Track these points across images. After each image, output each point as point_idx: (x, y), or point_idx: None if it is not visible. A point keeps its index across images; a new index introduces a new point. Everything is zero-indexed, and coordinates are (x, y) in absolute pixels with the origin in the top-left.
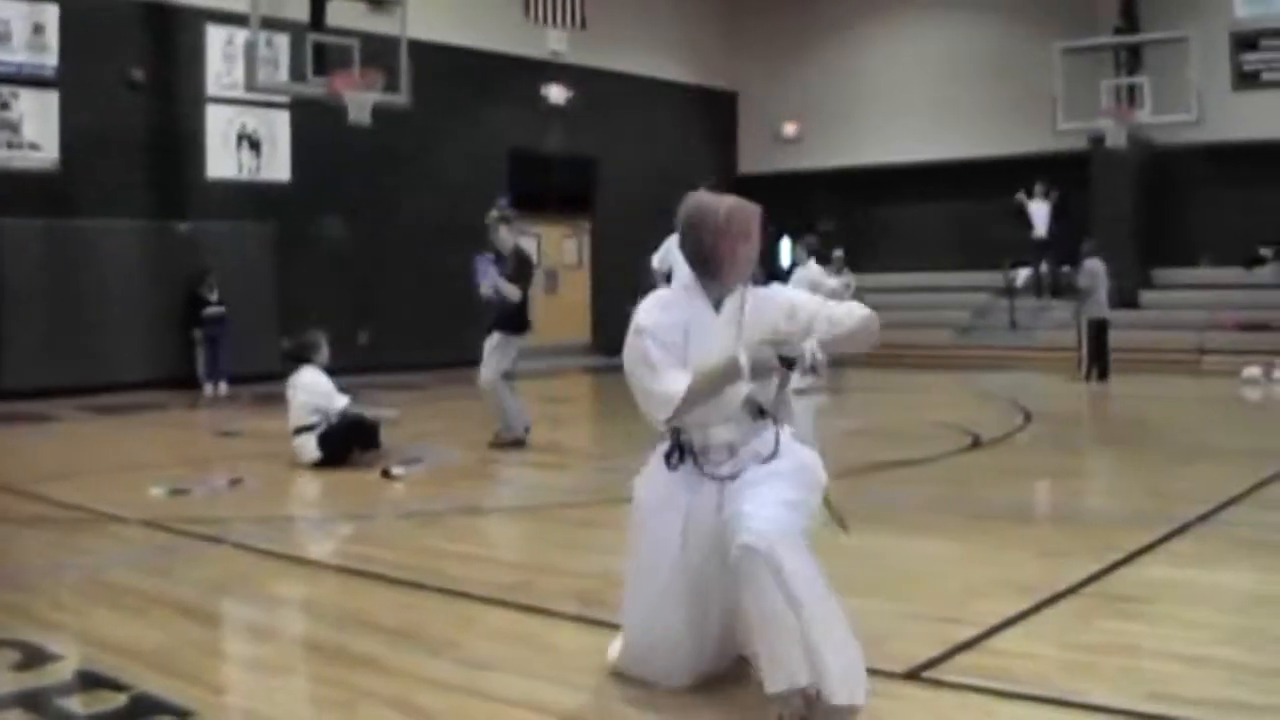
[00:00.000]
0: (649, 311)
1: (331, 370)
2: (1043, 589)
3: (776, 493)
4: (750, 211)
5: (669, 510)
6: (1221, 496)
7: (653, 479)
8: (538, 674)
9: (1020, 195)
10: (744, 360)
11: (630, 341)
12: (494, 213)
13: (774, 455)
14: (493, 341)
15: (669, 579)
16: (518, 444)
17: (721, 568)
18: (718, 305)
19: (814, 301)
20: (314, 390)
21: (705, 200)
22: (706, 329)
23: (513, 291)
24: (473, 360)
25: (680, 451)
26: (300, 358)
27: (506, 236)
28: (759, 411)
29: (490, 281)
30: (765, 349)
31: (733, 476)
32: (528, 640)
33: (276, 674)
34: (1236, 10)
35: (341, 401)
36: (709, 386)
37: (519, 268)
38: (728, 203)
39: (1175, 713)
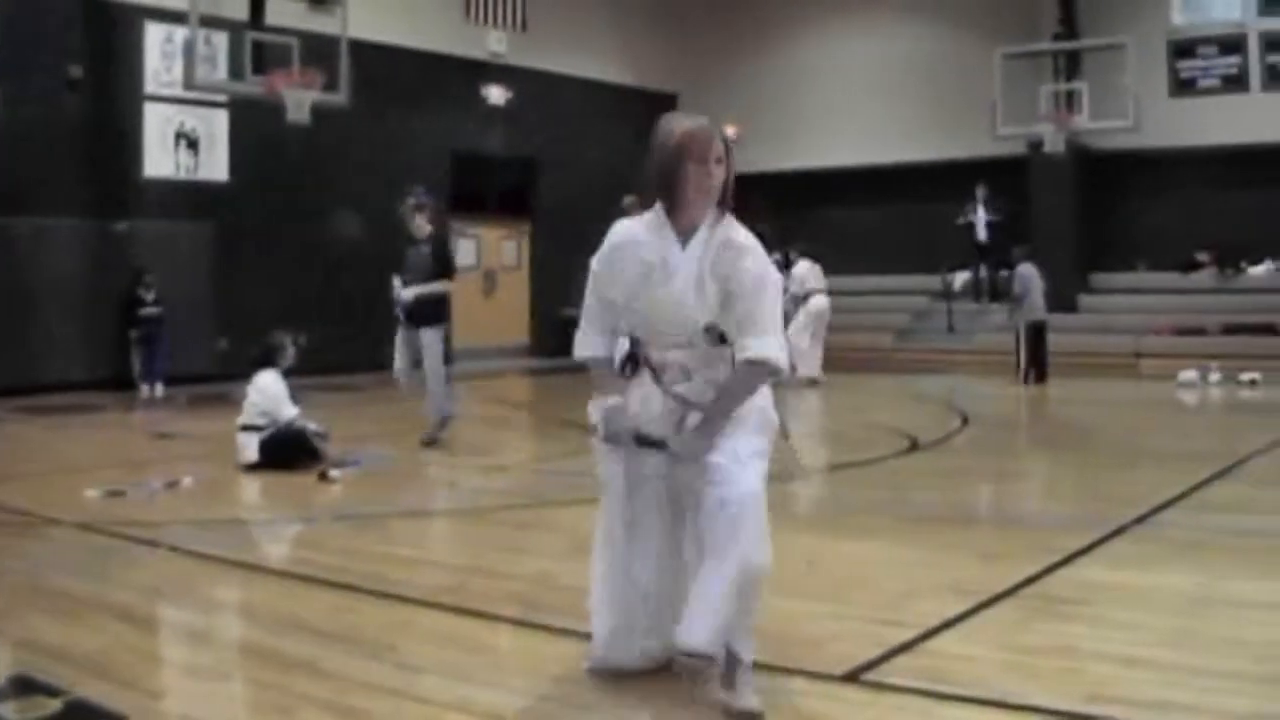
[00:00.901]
0: (604, 252)
1: (290, 372)
2: (981, 591)
3: (745, 443)
4: (707, 134)
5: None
6: (1159, 499)
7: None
8: (474, 677)
9: (968, 216)
10: (598, 418)
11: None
12: (410, 200)
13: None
14: (427, 337)
15: (626, 512)
16: (442, 427)
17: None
18: (686, 239)
19: (760, 302)
20: (266, 393)
21: (663, 124)
22: (670, 266)
23: (445, 286)
24: (412, 362)
25: (634, 363)
26: (263, 360)
27: (422, 224)
28: (720, 338)
29: (407, 298)
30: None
31: (695, 403)
32: (464, 643)
33: (213, 678)
34: (1174, 17)
35: (290, 412)
36: (598, 384)
37: (442, 254)
38: (684, 125)
39: (1113, 713)
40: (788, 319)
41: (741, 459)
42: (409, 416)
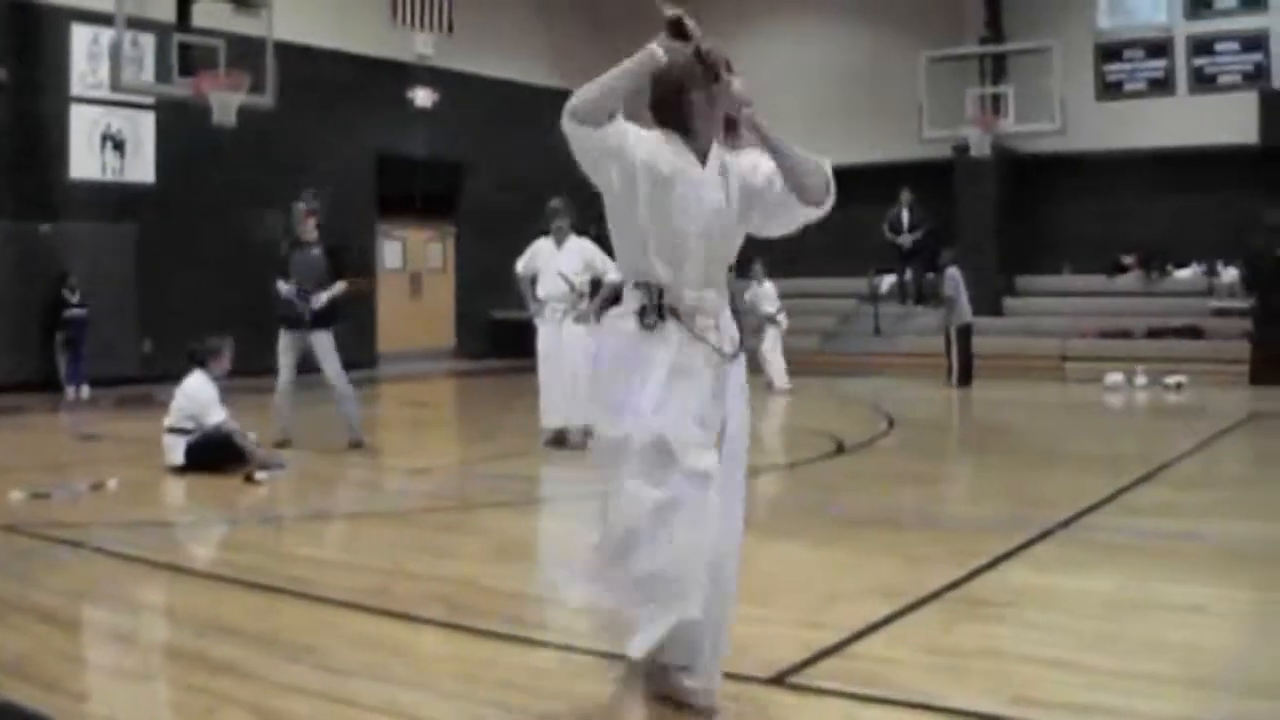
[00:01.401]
0: (655, 138)
1: (228, 375)
2: (906, 594)
3: (742, 472)
4: (717, 54)
5: (658, 368)
6: (1084, 502)
7: (627, 337)
8: (398, 679)
9: (895, 236)
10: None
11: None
12: (301, 205)
13: (739, 347)
14: (327, 342)
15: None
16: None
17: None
18: (702, 160)
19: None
20: (193, 397)
21: (660, 50)
22: (694, 180)
23: (343, 286)
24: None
25: (660, 310)
26: (196, 360)
27: (311, 228)
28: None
29: (320, 302)
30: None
31: (732, 356)
32: (388, 646)
33: (137, 680)
34: (1100, 21)
35: (217, 417)
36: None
37: (339, 257)
38: (690, 49)
39: (1037, 716)
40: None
41: (740, 495)
42: (331, 419)
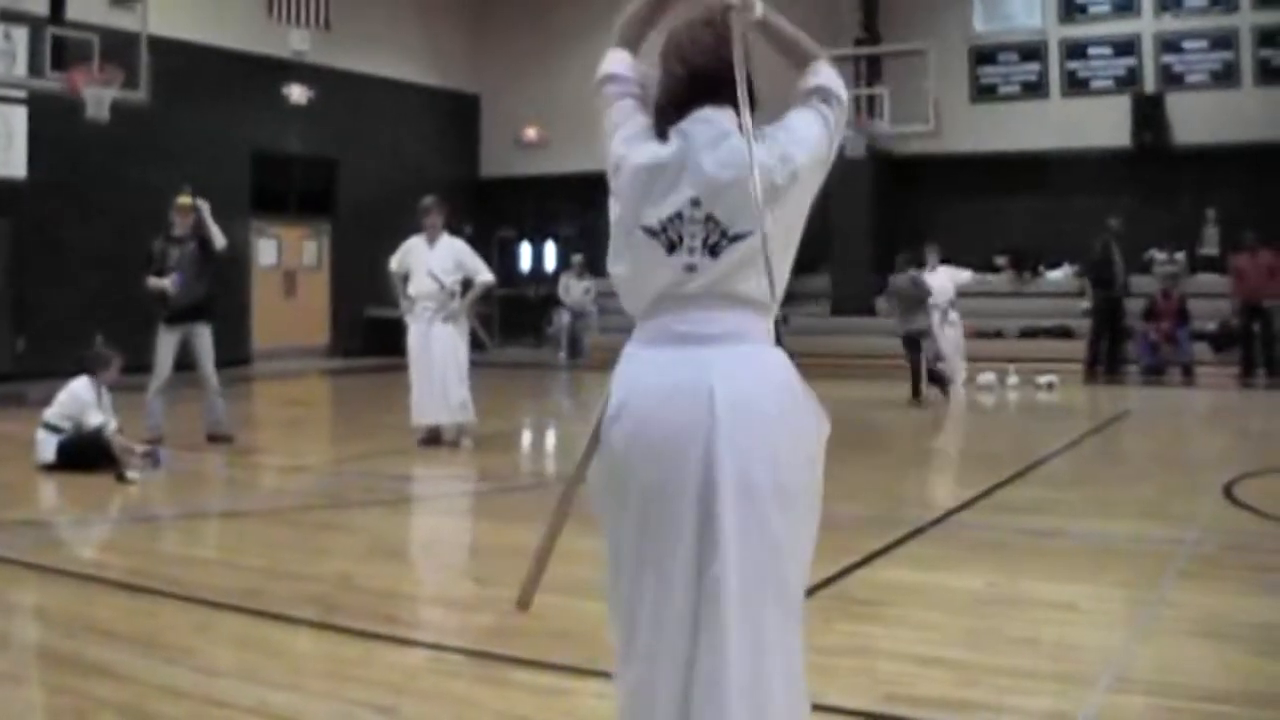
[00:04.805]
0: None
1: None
2: None
3: None
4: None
5: None
6: (956, 500)
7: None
8: (273, 680)
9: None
10: None
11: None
12: (178, 201)
13: None
14: (206, 336)
15: None
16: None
17: None
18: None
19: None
20: (74, 397)
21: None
22: None
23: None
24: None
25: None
26: (85, 367)
27: (188, 225)
28: None
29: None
30: None
31: None
32: (263, 646)
33: (8, 683)
34: (975, 25)
35: (95, 420)
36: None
37: (208, 253)
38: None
39: (909, 713)
40: None
41: None
42: (196, 417)
